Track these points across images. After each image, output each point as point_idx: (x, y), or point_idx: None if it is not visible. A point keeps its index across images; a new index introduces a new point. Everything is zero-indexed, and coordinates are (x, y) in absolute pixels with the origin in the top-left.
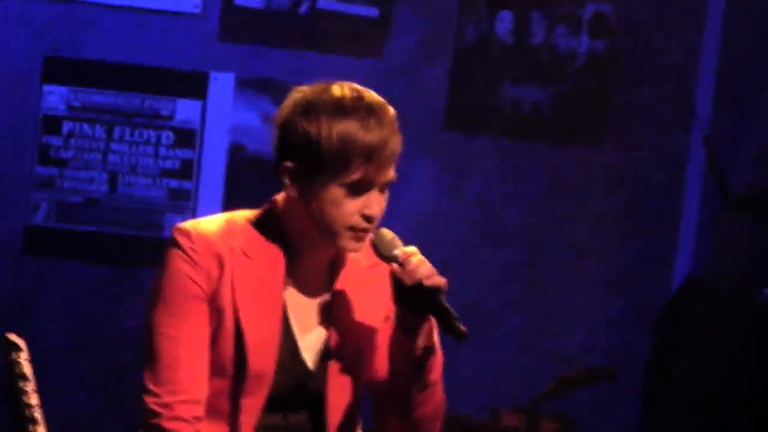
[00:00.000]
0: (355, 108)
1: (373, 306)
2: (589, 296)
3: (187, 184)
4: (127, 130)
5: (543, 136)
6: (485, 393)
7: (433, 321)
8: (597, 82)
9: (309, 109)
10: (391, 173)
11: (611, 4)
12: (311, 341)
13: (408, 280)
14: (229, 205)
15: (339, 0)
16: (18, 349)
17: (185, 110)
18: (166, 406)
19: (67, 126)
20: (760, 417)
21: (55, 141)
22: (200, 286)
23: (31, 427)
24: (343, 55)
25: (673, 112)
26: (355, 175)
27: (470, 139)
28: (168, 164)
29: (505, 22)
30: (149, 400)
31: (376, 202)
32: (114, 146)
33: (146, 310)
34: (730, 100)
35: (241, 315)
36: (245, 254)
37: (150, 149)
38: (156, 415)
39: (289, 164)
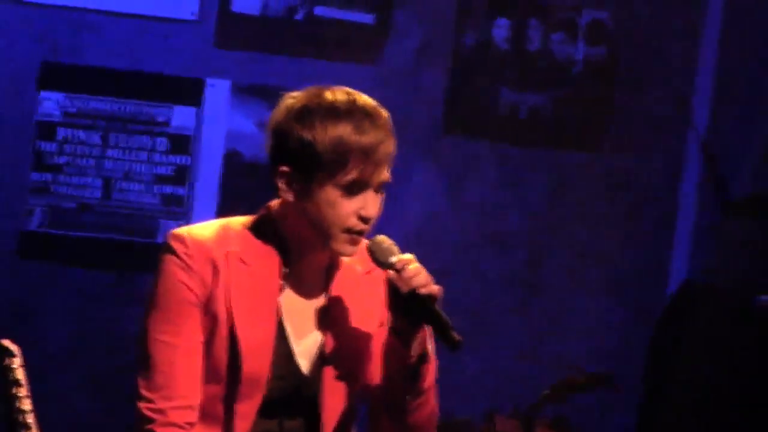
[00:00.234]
0: (349, 111)
1: (369, 312)
2: (588, 301)
3: (181, 190)
4: (122, 136)
5: (542, 141)
6: (485, 398)
7: (428, 328)
8: (595, 88)
9: (303, 114)
10: (386, 173)
11: (608, 11)
12: (306, 346)
13: (404, 288)
14: (223, 211)
15: (336, 6)
16: (11, 354)
17: (181, 116)
18: (160, 411)
19: (61, 132)
20: (759, 420)
21: (50, 147)
22: (195, 292)
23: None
24: (341, 62)
25: (671, 117)
26: (351, 176)
27: (469, 145)
28: (162, 170)
29: (502, 28)
30: (143, 406)
31: (372, 203)
32: (109, 152)
33: (142, 316)
34: (729, 106)
35: (236, 320)
36: (240, 259)
37: (144, 155)
38: (150, 421)
39: (284, 168)
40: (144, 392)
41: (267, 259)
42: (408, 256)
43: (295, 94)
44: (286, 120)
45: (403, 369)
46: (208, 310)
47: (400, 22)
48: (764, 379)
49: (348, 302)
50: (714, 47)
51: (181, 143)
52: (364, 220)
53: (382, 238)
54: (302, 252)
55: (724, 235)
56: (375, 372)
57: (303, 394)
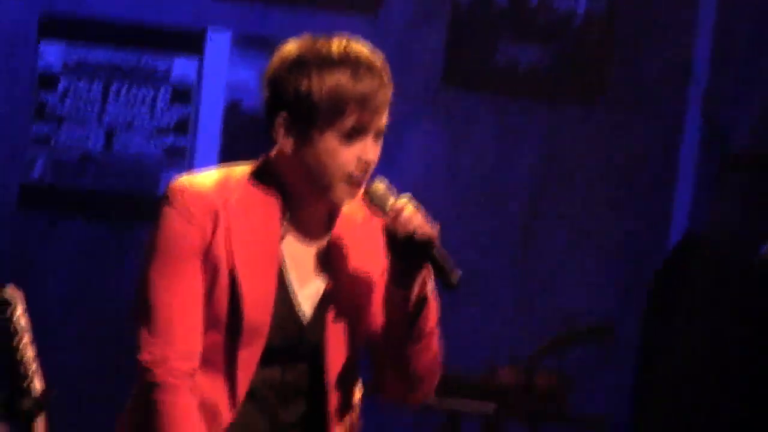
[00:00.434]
0: (344, 59)
1: (370, 259)
2: (586, 255)
3: (182, 141)
4: (124, 87)
5: (541, 95)
6: (483, 351)
7: (427, 270)
8: (595, 42)
9: (298, 63)
10: (384, 119)
11: None
12: (308, 293)
13: (400, 231)
14: (225, 162)
15: None
16: (14, 301)
17: (182, 67)
18: (161, 360)
19: (63, 83)
20: (758, 372)
21: (52, 98)
22: (194, 242)
23: (26, 381)
24: (340, 13)
25: (671, 71)
26: (349, 123)
27: (468, 98)
28: (164, 121)
29: None
30: (144, 353)
31: (371, 149)
32: (110, 103)
33: (141, 266)
34: (729, 61)
35: (237, 268)
36: (240, 208)
37: (146, 106)
38: (151, 369)
39: (281, 119)
40: (144, 341)
41: (267, 207)
42: (403, 200)
43: (289, 44)
44: (281, 71)
45: (404, 312)
46: (208, 259)
47: None
48: (764, 330)
49: (349, 249)
50: (714, 2)
51: (183, 94)
52: (363, 166)
53: (378, 185)
54: (302, 200)
55: (723, 188)
56: (377, 317)
57: (305, 342)
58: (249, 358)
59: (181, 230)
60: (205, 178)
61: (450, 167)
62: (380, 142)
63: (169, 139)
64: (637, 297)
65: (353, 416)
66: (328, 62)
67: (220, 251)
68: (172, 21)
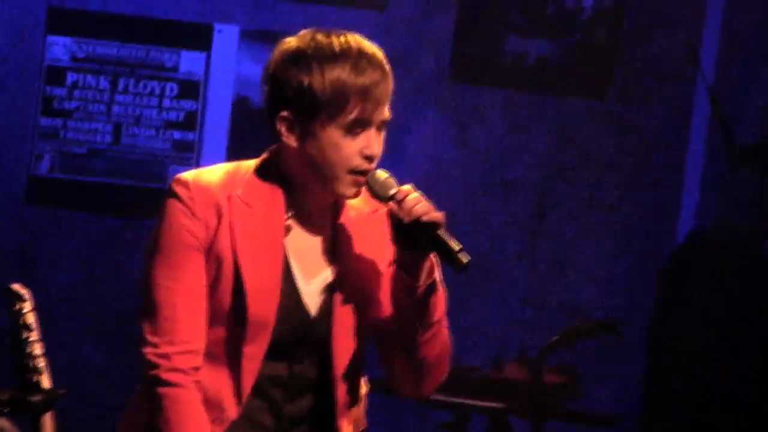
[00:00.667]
0: (345, 52)
1: (377, 250)
2: (594, 248)
3: (190, 136)
4: (131, 81)
5: (549, 88)
6: (491, 345)
7: (434, 258)
8: (603, 35)
9: (299, 58)
10: (386, 112)
11: None
12: (314, 287)
13: (406, 218)
14: (233, 156)
15: None
16: (22, 299)
17: (189, 62)
18: (164, 356)
19: (71, 77)
20: (767, 367)
21: (59, 92)
22: (197, 237)
23: (34, 377)
24: (348, 7)
25: (680, 64)
26: (352, 116)
27: (476, 91)
28: (172, 116)
29: None
30: (148, 351)
31: (375, 141)
32: (118, 97)
33: (145, 261)
34: (737, 53)
35: (241, 262)
36: (245, 202)
37: (154, 101)
38: (155, 366)
39: (284, 114)
40: (148, 337)
41: (272, 201)
42: (407, 187)
43: (289, 39)
44: (282, 66)
45: (413, 301)
46: (211, 254)
47: None
48: None
49: (355, 242)
50: None
51: (191, 88)
52: (367, 159)
53: (380, 173)
54: (307, 193)
55: (731, 182)
56: (384, 309)
57: (312, 335)
58: (254, 353)
59: (183, 224)
60: (209, 172)
61: (457, 161)
62: (383, 135)
63: (177, 134)
64: (645, 292)
65: (360, 409)
66: (329, 56)
67: (224, 245)
68: (180, 15)
